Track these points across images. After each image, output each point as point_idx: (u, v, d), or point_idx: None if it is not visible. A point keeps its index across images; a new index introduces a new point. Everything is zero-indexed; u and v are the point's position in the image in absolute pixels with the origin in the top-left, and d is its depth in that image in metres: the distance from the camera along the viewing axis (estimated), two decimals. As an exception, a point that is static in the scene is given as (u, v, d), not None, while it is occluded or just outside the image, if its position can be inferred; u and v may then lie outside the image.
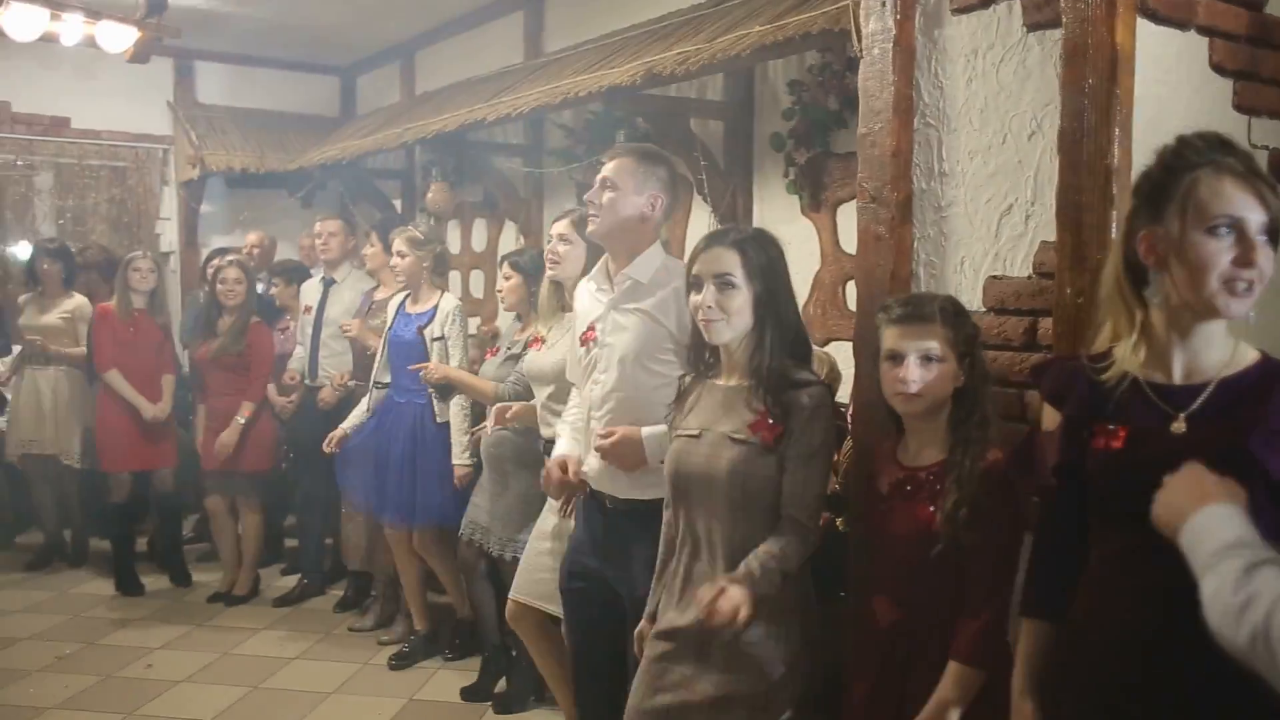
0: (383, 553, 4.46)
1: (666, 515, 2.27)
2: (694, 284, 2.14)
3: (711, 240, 2.17)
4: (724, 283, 2.09)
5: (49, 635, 4.52)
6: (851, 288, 3.34)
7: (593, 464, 2.57)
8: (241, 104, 7.05)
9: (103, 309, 5.06)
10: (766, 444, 2.04)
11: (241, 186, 6.89)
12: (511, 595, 3.23)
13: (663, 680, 2.16)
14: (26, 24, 4.96)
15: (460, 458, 3.96)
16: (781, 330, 2.12)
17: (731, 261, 2.10)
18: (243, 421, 4.78)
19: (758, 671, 2.06)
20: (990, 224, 2.33)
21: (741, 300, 2.09)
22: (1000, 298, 2.30)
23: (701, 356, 2.22)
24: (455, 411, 3.99)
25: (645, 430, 2.39)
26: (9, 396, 5.46)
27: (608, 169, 2.52)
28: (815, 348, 3.60)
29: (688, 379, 2.26)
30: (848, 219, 3.65)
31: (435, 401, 4.01)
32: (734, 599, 1.93)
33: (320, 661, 4.26)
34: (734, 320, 2.10)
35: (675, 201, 2.62)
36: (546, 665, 3.33)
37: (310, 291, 4.95)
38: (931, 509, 1.93)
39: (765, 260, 2.13)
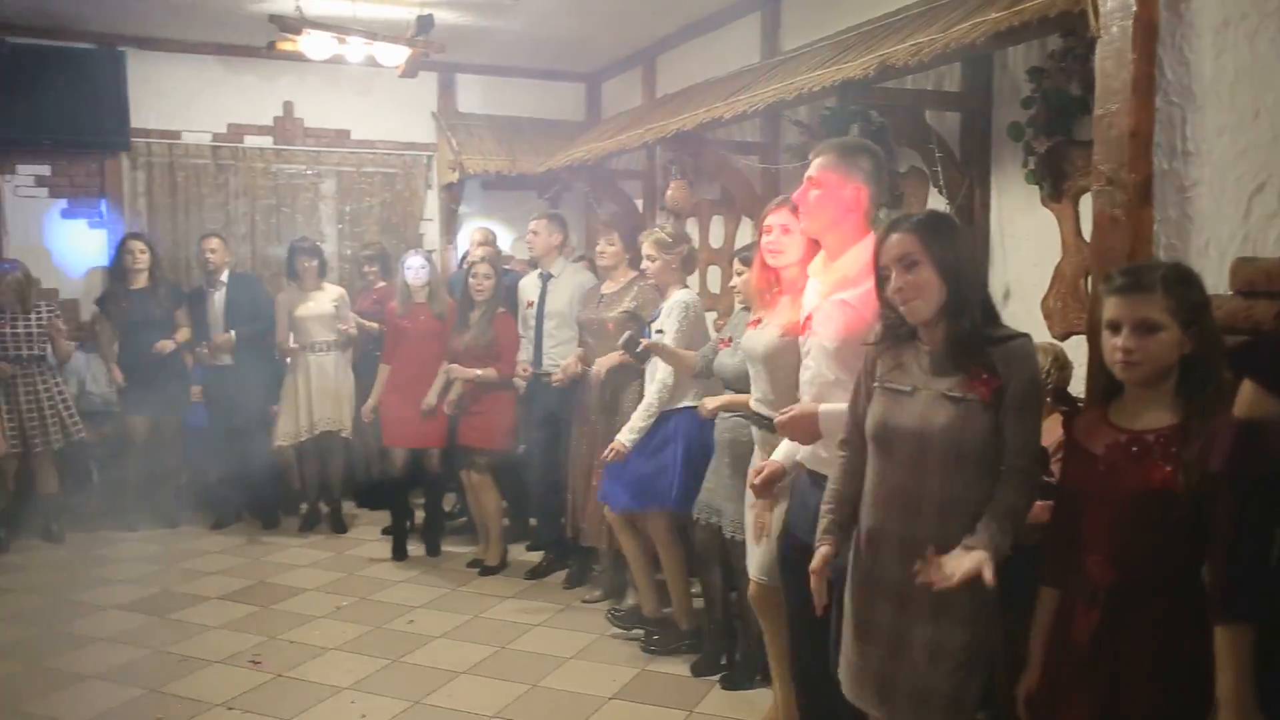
0: (607, 529, 4.69)
1: (845, 466, 2.36)
2: (883, 275, 2.25)
3: (889, 228, 2.27)
4: (909, 264, 2.19)
5: (330, 589, 5.10)
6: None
7: (807, 448, 2.68)
8: (496, 112, 7.58)
9: (390, 308, 5.63)
10: (984, 400, 2.10)
11: (495, 189, 7.43)
12: (752, 576, 3.35)
13: (870, 634, 2.26)
14: (320, 46, 5.58)
15: (625, 435, 4.12)
16: (972, 297, 2.19)
17: (911, 243, 2.20)
18: (479, 374, 5.18)
19: (961, 624, 2.15)
20: (1239, 203, 2.24)
21: (928, 275, 2.18)
22: (1250, 280, 2.21)
23: (899, 328, 2.30)
24: (653, 393, 4.15)
25: (822, 407, 2.54)
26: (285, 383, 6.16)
27: (811, 168, 2.65)
28: (1050, 340, 3.55)
29: (880, 344, 2.34)
30: (1090, 209, 3.54)
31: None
32: (977, 561, 2.02)
33: (559, 630, 4.55)
34: (927, 294, 2.19)
35: (881, 190, 2.71)
36: (776, 642, 3.44)
37: (529, 287, 5.29)
38: (1169, 469, 1.91)
39: (943, 237, 2.21)
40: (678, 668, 4.10)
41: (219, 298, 6.14)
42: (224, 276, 6.19)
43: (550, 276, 5.21)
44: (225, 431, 6.01)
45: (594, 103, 7.92)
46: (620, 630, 4.43)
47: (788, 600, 2.88)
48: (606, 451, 4.18)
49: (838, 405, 2.49)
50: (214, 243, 6.19)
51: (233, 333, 6.04)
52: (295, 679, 3.98)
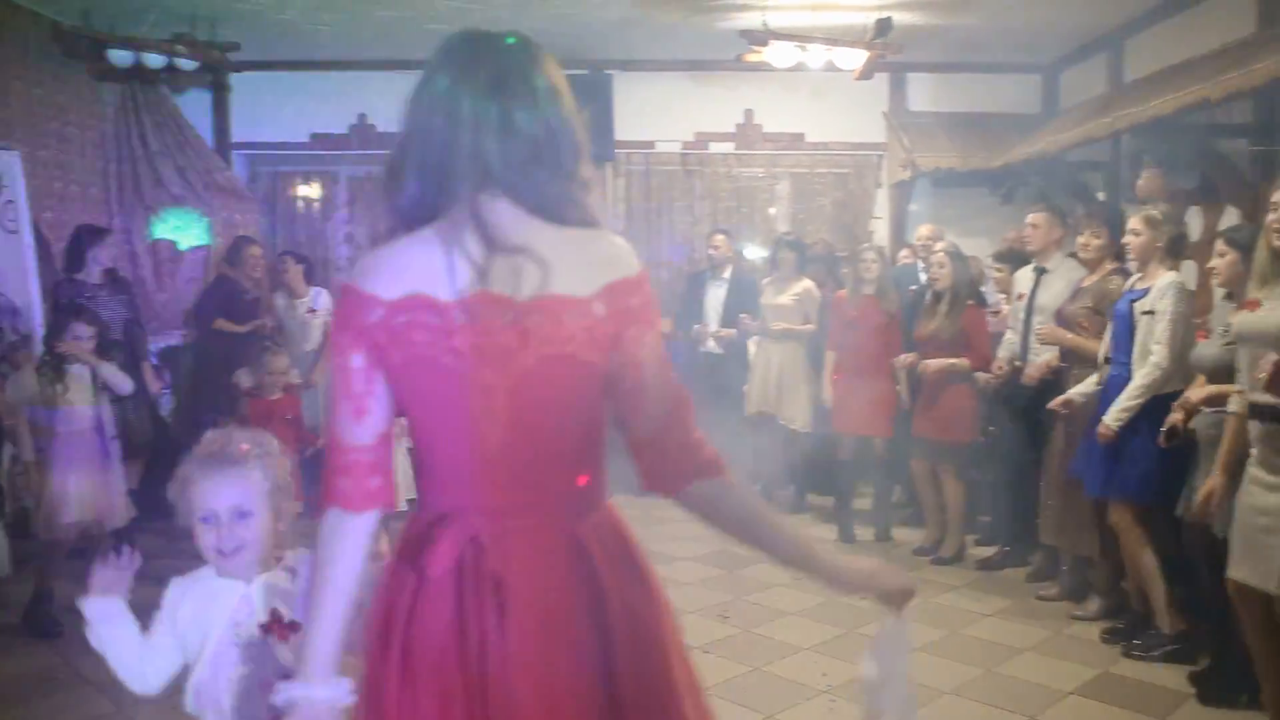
0: (1075, 528, 4.59)
1: None
2: None
3: None
4: None
5: (784, 560, 5.46)
6: None
7: None
8: (946, 109, 7.63)
9: (838, 296, 5.90)
10: None
11: (945, 186, 7.45)
12: (1230, 574, 3.18)
13: None
14: (784, 56, 6.01)
15: (1112, 415, 3.99)
16: None
17: None
18: (953, 363, 5.23)
19: None
20: None
21: None
22: None
23: None
24: (1144, 374, 3.99)
25: None
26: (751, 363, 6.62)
27: None
28: None
29: None
30: None
31: None
32: None
33: (1011, 623, 4.53)
34: None
35: None
36: (1262, 652, 3.22)
37: (1023, 279, 5.21)
38: None
39: None
40: (1148, 672, 3.94)
41: (718, 289, 6.64)
42: (726, 273, 6.66)
43: (1044, 270, 5.11)
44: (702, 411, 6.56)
45: (1050, 94, 7.68)
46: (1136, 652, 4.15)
47: None
48: (1097, 428, 4.09)
49: None
50: (719, 239, 6.71)
51: (746, 316, 6.39)
52: (760, 635, 4.36)
